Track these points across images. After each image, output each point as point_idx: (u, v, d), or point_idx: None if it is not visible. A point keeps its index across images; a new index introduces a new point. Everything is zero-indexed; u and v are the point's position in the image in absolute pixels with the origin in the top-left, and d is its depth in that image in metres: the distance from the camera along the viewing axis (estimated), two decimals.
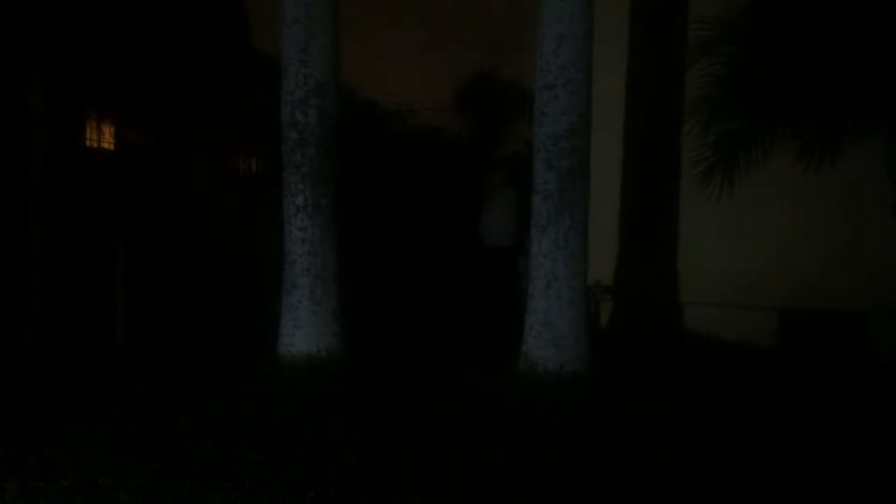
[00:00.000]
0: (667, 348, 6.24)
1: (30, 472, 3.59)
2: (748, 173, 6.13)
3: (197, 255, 9.66)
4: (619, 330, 6.96)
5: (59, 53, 9.18)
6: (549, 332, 5.27)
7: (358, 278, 6.39)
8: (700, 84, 6.29)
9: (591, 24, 5.28)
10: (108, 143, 11.79)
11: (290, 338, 5.70)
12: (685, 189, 6.84)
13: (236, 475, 3.56)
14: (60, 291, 7.67)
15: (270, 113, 6.10)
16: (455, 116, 13.94)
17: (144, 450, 3.82)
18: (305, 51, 5.64)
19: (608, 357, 5.49)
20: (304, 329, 5.67)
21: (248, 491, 3.43)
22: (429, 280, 8.99)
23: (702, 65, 6.14)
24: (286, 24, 5.69)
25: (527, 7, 5.77)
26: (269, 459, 3.72)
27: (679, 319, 6.91)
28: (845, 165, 6.15)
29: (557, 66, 5.22)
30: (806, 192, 6.43)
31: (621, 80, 7.06)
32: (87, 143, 11.45)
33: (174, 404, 4.53)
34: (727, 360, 5.93)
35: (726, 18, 6.00)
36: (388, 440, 4.04)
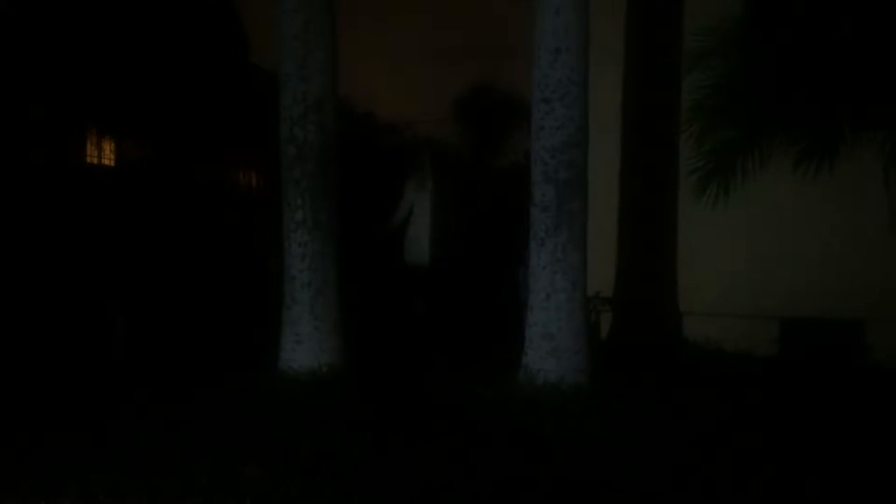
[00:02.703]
0: (667, 358, 6.24)
1: (30, 489, 3.60)
2: (744, 182, 6.16)
3: (198, 269, 9.69)
4: (620, 341, 6.96)
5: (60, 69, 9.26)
6: (548, 344, 5.28)
7: (357, 290, 6.40)
8: (696, 93, 6.33)
9: (587, 37, 5.31)
10: (108, 159, 11.86)
11: (292, 352, 5.71)
12: (684, 199, 6.86)
13: (237, 491, 3.57)
14: (59, 306, 7.71)
15: (270, 128, 6.14)
16: (453, 128, 14.01)
17: (145, 466, 3.83)
18: (303, 67, 5.67)
19: (609, 368, 5.49)
20: (305, 344, 5.68)
21: None
22: (428, 290, 8.95)
23: (697, 74, 6.18)
24: (284, 40, 5.73)
25: (524, 20, 5.81)
26: (271, 474, 3.73)
27: (679, 329, 6.91)
28: (843, 175, 6.18)
29: (554, 80, 5.25)
30: (804, 201, 6.46)
31: (618, 91, 7.10)
32: (88, 159, 11.53)
33: (175, 420, 4.54)
34: (728, 370, 5.93)
35: (722, 29, 6.05)
36: (390, 453, 4.04)
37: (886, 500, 3.67)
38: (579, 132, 5.30)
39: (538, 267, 5.32)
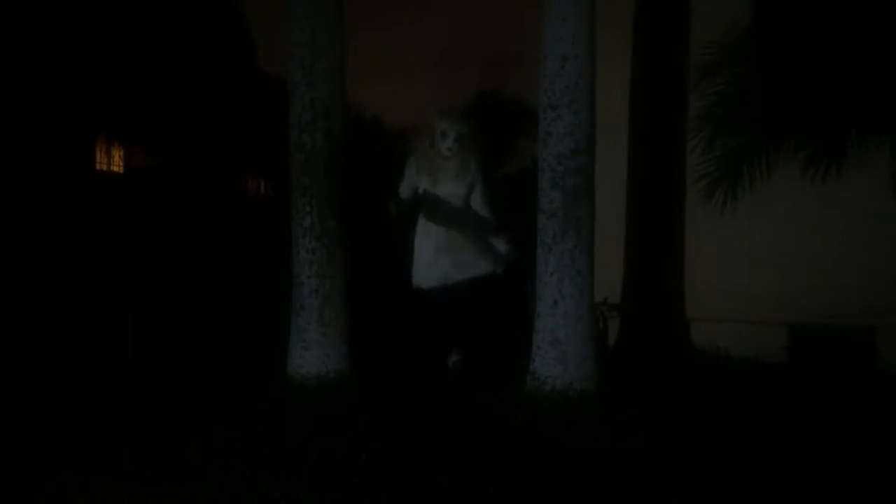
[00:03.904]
0: (675, 365, 6.23)
1: (39, 498, 3.62)
2: (752, 188, 6.17)
3: (207, 275, 9.73)
4: (628, 347, 6.96)
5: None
6: (556, 351, 5.28)
7: (363, 296, 6.40)
8: (703, 100, 6.35)
9: (594, 45, 5.32)
10: (117, 166, 11.92)
11: (300, 359, 5.73)
12: (691, 205, 6.86)
13: (245, 498, 3.58)
14: (67, 314, 7.74)
15: (279, 135, 6.16)
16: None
17: (154, 474, 3.84)
18: (311, 74, 5.70)
19: (617, 374, 5.48)
20: (312, 350, 5.70)
21: None
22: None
23: (705, 84, 6.20)
24: (292, 48, 5.76)
25: (532, 26, 5.82)
26: (279, 481, 3.73)
27: (687, 336, 6.91)
28: (851, 180, 6.18)
29: (561, 87, 5.25)
30: (812, 207, 6.45)
31: (625, 97, 7.11)
32: (98, 166, 11.59)
33: (183, 427, 4.55)
34: (736, 376, 5.92)
35: (729, 40, 6.07)
36: (398, 460, 4.04)
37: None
38: (586, 139, 5.31)
39: (545, 273, 5.32)
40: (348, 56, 5.88)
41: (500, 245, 5.71)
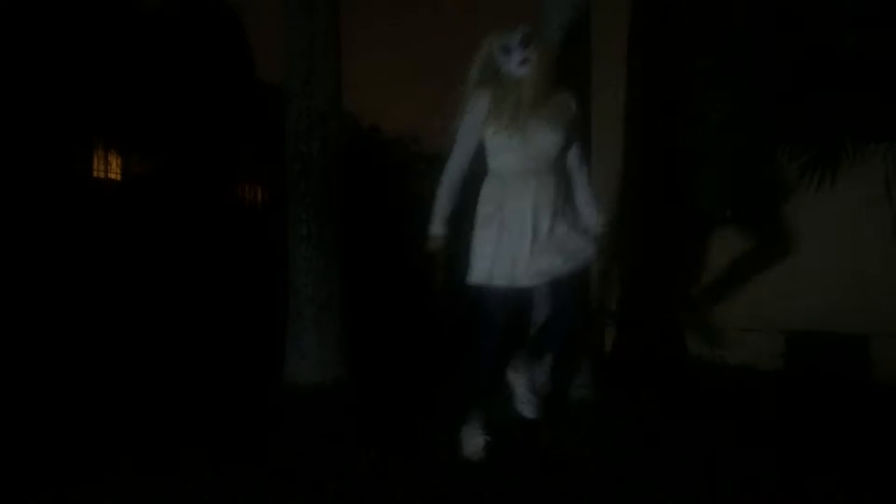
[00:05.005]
0: (671, 372, 6.23)
1: (37, 499, 3.62)
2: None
3: (203, 282, 9.73)
4: (624, 354, 6.96)
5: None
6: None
7: (361, 303, 6.41)
8: (698, 108, 6.37)
9: (589, 52, 5.34)
10: (114, 173, 11.94)
11: (297, 368, 5.73)
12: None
13: None
14: (65, 320, 7.74)
15: (276, 143, 6.17)
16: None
17: (147, 481, 3.84)
18: (308, 83, 5.71)
19: (613, 382, 5.50)
20: (309, 359, 5.71)
21: None
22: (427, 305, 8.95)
23: (699, 91, 6.23)
24: (289, 57, 5.78)
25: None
26: (273, 491, 3.74)
27: (683, 343, 6.91)
28: (847, 187, 6.21)
29: None
30: (808, 214, 6.47)
31: (620, 102, 7.13)
32: (95, 173, 11.60)
33: (178, 435, 4.55)
34: (732, 383, 5.93)
35: (723, 46, 6.10)
36: (393, 469, 4.05)
37: None
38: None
39: None
40: (345, 63, 5.90)
41: (594, 219, 4.12)
